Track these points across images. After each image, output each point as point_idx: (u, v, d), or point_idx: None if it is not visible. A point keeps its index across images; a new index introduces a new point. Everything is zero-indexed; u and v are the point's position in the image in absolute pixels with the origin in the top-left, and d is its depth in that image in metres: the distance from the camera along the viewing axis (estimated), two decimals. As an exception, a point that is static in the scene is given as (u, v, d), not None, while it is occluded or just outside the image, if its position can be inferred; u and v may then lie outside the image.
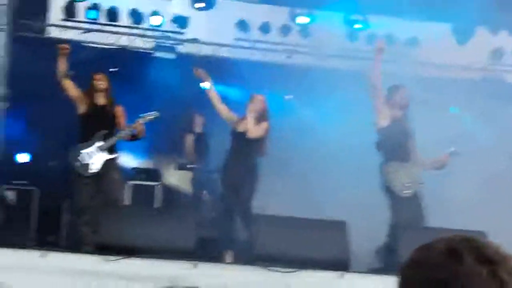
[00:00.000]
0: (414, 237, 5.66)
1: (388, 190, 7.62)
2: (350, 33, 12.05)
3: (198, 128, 10.31)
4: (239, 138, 8.14)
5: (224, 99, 8.90)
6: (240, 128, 8.19)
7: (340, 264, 6.47)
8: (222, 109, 8.39)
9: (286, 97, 11.69)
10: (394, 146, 7.81)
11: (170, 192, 10.03)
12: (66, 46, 8.13)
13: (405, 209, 7.41)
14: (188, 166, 9.82)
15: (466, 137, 9.73)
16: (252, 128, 8.04)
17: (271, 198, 8.40)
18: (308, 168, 10.18)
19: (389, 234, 7.33)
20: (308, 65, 11.90)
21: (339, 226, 6.82)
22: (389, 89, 8.03)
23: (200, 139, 10.26)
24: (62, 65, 7.99)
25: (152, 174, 10.18)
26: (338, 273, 6.29)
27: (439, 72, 12.20)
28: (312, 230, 6.75)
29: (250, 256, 6.65)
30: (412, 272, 1.42)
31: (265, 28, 11.81)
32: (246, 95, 9.34)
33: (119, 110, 8.25)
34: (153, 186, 9.77)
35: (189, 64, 11.36)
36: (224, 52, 11.67)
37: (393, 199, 7.52)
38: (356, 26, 12.01)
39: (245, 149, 8.11)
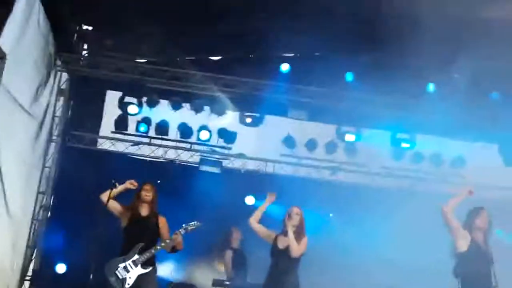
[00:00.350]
0: None
1: None
2: (396, 151, 12.09)
3: (235, 244, 10.34)
4: (281, 255, 8.12)
5: (264, 215, 8.96)
6: (281, 245, 8.18)
7: None
8: (259, 228, 8.43)
9: (330, 215, 11.70)
10: (475, 273, 7.61)
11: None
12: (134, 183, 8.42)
13: None
14: (226, 282, 9.78)
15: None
16: (296, 247, 8.06)
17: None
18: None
19: None
20: (352, 182, 11.96)
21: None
22: (469, 212, 7.91)
23: (238, 255, 10.27)
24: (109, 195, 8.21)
25: (187, 289, 10.18)
26: None
27: (485, 193, 12.05)
28: None
29: None
30: None
31: (311, 144, 11.98)
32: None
33: (162, 221, 8.35)
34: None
35: (234, 179, 11.61)
36: (269, 168, 11.85)
37: None
38: (403, 145, 12.05)
39: (288, 267, 8.07)
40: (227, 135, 11.81)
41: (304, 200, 10.08)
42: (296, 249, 8.02)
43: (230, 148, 11.89)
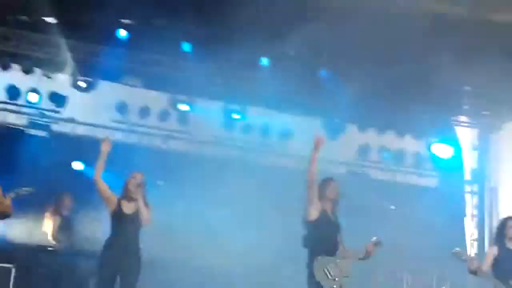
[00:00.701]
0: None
1: (317, 285, 7.63)
2: (228, 122, 12.37)
3: (65, 210, 10.18)
4: (129, 221, 8.00)
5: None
6: (127, 210, 8.09)
7: None
8: (104, 186, 8.17)
9: (160, 182, 11.77)
10: (323, 240, 7.84)
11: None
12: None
13: None
14: (49, 248, 9.69)
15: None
16: (146, 214, 7.99)
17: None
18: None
19: None
20: (183, 151, 12.13)
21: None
22: (321, 182, 8.04)
23: (66, 221, 10.13)
24: None
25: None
26: None
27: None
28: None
29: None
30: None
31: (144, 112, 11.97)
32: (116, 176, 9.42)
33: None
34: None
35: (63, 144, 11.37)
36: (99, 134, 11.71)
37: None
38: (234, 116, 12.34)
39: (135, 233, 8.01)
40: (57, 99, 11.51)
41: (134, 167, 10.10)
42: (147, 217, 8.01)
43: (59, 112, 11.61)
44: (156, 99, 12.04)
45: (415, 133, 13.07)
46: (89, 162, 9.33)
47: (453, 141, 13.38)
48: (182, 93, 11.94)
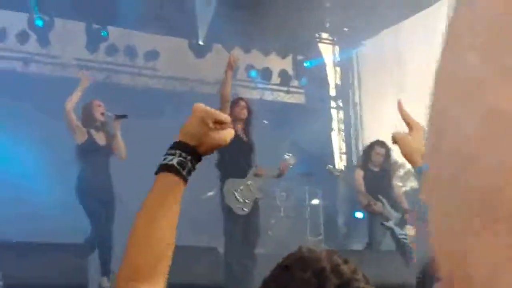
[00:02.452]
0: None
1: (227, 209, 7.58)
2: (91, 43, 11.92)
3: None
4: (102, 152, 7.90)
5: None
6: (100, 142, 7.92)
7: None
8: (73, 116, 7.88)
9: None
10: (232, 162, 7.76)
11: None
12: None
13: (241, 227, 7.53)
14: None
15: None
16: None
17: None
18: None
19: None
20: (46, 74, 11.61)
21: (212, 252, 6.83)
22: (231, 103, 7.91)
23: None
24: None
25: None
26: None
27: (176, 85, 12.61)
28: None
29: None
30: None
31: (0, 35, 11.30)
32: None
33: None
34: None
35: None
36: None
37: (231, 218, 7.53)
38: (99, 36, 11.91)
39: (108, 165, 7.99)
40: None
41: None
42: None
43: None
44: (13, 19, 11.35)
45: (280, 51, 13.20)
46: None
47: (317, 58, 13.66)
48: (41, 11, 11.31)
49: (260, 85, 13.32)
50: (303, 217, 11.12)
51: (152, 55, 12.35)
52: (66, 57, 11.89)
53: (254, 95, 13.20)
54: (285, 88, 13.50)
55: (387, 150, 8.62)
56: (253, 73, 13.23)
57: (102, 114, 7.95)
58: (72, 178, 7.95)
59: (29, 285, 6.16)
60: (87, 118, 7.95)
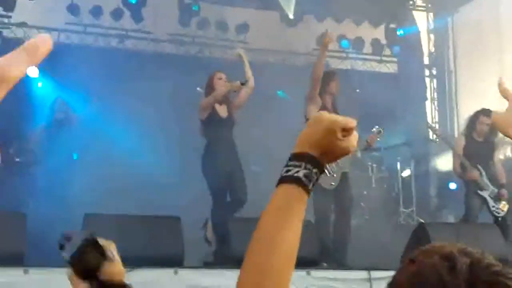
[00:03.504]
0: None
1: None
2: (183, 17, 12.09)
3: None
4: (224, 125, 8.07)
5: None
6: (223, 114, 8.02)
7: (175, 260, 6.60)
8: None
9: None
10: None
11: None
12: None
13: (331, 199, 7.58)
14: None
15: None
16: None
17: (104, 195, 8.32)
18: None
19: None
20: (140, 50, 11.87)
21: (173, 222, 6.94)
22: (324, 76, 7.88)
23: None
24: None
25: None
26: (173, 269, 6.43)
27: (268, 57, 12.64)
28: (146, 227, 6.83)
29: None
30: None
31: (96, 11, 11.60)
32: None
33: None
34: None
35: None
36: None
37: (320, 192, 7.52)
38: (191, 11, 12.07)
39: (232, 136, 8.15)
40: (5, 2, 11.05)
41: (94, 70, 9.91)
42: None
43: (10, 17, 11.18)
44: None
45: (373, 20, 12.99)
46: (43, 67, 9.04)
47: (411, 26, 13.37)
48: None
49: (352, 55, 13.16)
50: (395, 188, 11.01)
51: (243, 28, 12.40)
52: (159, 32, 12.10)
53: (345, 65, 13.08)
54: (377, 58, 13.30)
55: None
56: (345, 43, 13.07)
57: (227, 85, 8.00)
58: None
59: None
60: (209, 91, 8.04)
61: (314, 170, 1.60)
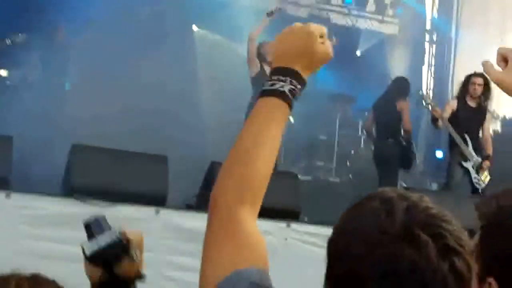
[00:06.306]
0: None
1: None
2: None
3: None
4: None
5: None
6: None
7: (158, 200, 6.60)
8: (253, 48, 8.44)
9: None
10: None
11: None
12: None
13: None
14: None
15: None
16: None
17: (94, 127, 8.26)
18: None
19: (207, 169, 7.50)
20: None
21: (160, 161, 6.91)
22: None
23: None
24: None
25: None
26: (154, 208, 6.42)
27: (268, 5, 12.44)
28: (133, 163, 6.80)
29: (66, 188, 6.56)
30: (350, 252, 1.28)
31: None
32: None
33: None
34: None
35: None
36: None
37: None
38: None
39: None
40: None
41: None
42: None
43: None
44: None
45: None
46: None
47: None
48: None
49: (355, 12, 13.03)
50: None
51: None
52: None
53: (347, 22, 12.95)
54: (379, 17, 13.17)
55: (486, 82, 8.20)
56: (348, 0, 12.94)
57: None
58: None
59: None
60: (260, 55, 8.33)
61: (298, 87, 1.62)
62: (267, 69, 8.16)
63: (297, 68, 1.63)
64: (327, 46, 1.66)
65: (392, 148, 8.92)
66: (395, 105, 8.84)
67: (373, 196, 1.33)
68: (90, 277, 1.94)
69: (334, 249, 1.32)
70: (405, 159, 9.04)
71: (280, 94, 1.60)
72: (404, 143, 8.91)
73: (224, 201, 1.53)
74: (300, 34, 1.64)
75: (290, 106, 1.61)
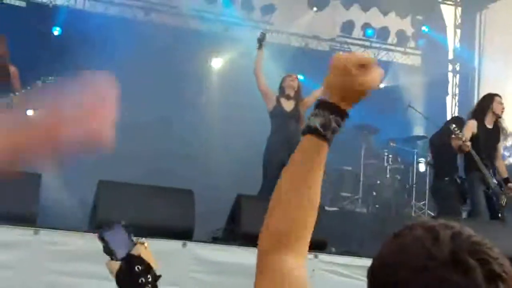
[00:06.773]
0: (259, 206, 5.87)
1: None
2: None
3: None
4: (289, 118, 8.28)
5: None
6: (287, 108, 8.32)
7: (184, 233, 6.61)
8: (263, 80, 8.30)
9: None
10: None
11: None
12: None
13: None
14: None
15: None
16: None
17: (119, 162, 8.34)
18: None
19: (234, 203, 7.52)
20: (165, 23, 11.86)
21: (186, 195, 6.94)
22: None
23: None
24: None
25: None
26: (181, 241, 6.43)
27: (291, 40, 12.61)
28: (159, 197, 6.83)
29: (93, 223, 6.60)
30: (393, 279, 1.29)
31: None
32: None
33: None
34: None
35: (41, 13, 11.08)
36: (79, 5, 11.41)
37: None
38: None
39: (297, 129, 8.21)
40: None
41: (116, 41, 9.93)
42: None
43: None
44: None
45: (400, 10, 12.90)
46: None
47: (438, 19, 13.26)
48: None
49: (376, 45, 13.09)
50: (409, 180, 10.96)
51: (269, 9, 12.35)
52: (184, 7, 12.07)
53: (368, 54, 12.98)
54: (401, 49, 13.21)
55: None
56: (370, 32, 13.00)
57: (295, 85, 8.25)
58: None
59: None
60: (281, 89, 8.32)
61: (332, 116, 1.58)
62: (284, 102, 8.25)
63: (334, 99, 1.59)
64: (370, 75, 1.58)
65: (449, 186, 8.93)
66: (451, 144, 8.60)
67: (413, 226, 1.34)
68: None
69: (378, 277, 1.32)
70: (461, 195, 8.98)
71: (312, 130, 1.57)
72: (459, 181, 8.85)
73: (262, 251, 1.58)
74: (335, 71, 1.60)
75: (327, 139, 1.58)
